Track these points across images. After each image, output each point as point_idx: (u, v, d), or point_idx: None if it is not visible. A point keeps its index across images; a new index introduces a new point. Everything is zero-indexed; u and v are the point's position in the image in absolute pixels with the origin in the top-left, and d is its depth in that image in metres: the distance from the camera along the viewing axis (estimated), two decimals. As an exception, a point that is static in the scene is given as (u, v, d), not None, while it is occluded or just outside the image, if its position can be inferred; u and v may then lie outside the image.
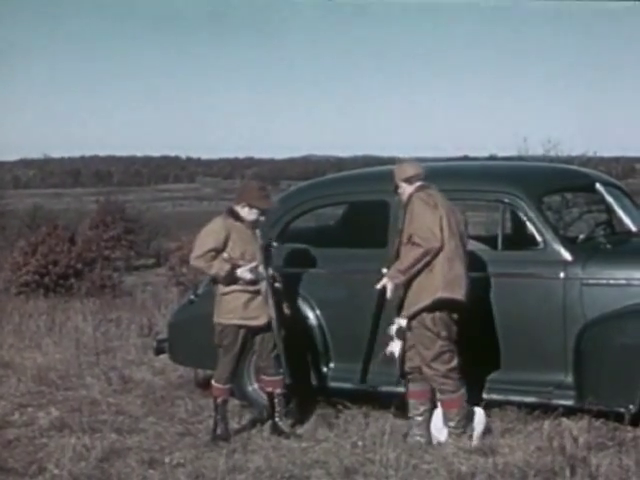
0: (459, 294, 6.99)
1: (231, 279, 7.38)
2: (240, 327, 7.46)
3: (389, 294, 7.05)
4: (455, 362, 7.04)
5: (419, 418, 7.14)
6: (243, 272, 7.35)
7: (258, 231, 7.51)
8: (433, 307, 6.95)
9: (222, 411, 7.57)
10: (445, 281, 6.93)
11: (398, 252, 7.13)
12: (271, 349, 7.53)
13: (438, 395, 7.09)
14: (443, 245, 6.92)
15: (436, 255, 6.91)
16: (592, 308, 7.29)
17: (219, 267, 7.36)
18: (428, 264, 6.92)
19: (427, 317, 6.99)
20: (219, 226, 7.46)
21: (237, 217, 7.47)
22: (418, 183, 7.20)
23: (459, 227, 7.10)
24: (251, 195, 7.47)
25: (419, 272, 6.95)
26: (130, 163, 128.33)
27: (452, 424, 7.06)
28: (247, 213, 7.44)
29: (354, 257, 8.03)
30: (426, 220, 6.94)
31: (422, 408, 7.11)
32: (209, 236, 7.45)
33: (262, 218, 7.52)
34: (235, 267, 7.35)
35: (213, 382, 7.64)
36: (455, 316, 7.05)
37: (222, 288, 7.46)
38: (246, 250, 7.41)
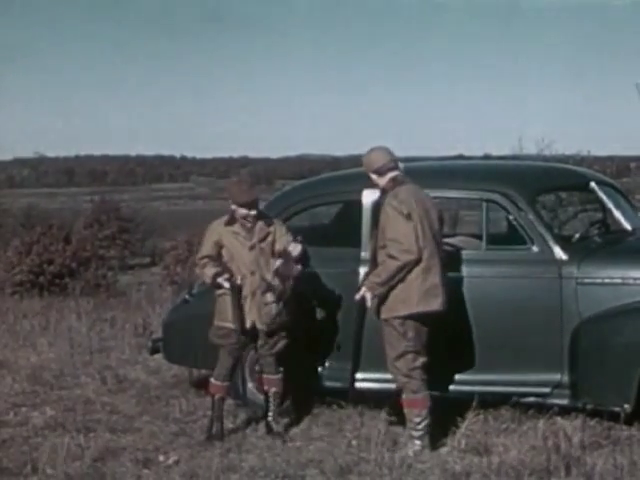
0: (435, 304, 6.89)
1: (217, 284, 7.48)
2: (231, 329, 7.48)
3: (369, 304, 6.99)
4: (419, 363, 6.93)
5: (416, 433, 6.96)
6: (222, 280, 7.43)
7: (260, 224, 7.51)
8: (407, 317, 6.91)
9: (218, 409, 7.56)
10: (420, 295, 6.84)
11: (375, 255, 7.08)
12: (269, 348, 7.53)
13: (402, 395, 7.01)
14: (420, 257, 6.83)
15: (413, 267, 6.83)
16: (587, 307, 7.29)
17: (206, 274, 7.55)
18: (404, 276, 6.85)
19: (396, 320, 6.92)
20: (210, 232, 7.66)
21: (231, 220, 7.53)
22: (390, 175, 7.08)
23: (433, 229, 6.96)
24: (232, 193, 7.57)
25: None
26: (124, 162, 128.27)
27: (411, 425, 6.96)
28: (237, 210, 7.50)
29: (348, 257, 8.00)
30: (400, 231, 6.80)
31: (418, 418, 6.96)
32: (203, 243, 7.69)
33: (253, 212, 7.49)
34: (220, 273, 7.43)
35: (211, 379, 7.65)
36: (427, 321, 6.95)
37: (216, 290, 7.55)
38: (234, 255, 7.47)
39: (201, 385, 8.89)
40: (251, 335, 7.51)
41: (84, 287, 24.38)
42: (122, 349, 11.33)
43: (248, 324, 7.44)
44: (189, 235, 30.95)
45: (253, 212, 7.50)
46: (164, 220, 53.57)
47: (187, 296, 9.01)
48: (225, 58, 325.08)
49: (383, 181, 7.10)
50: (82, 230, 42.53)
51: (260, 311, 7.44)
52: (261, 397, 7.90)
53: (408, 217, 6.83)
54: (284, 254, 7.39)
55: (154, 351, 9.16)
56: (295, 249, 7.39)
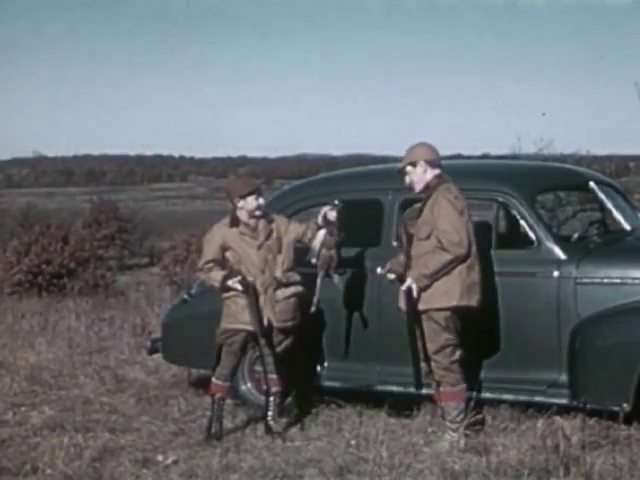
0: (474, 301, 7.02)
1: (227, 287, 7.42)
2: (240, 330, 7.47)
3: (415, 295, 7.01)
4: (457, 356, 7.05)
5: (453, 425, 7.05)
6: (234, 283, 7.40)
7: (262, 223, 7.50)
8: (449, 310, 7.00)
9: (218, 409, 7.55)
10: (462, 289, 6.96)
11: (409, 248, 7.12)
12: (273, 347, 7.54)
13: (440, 388, 7.10)
14: (469, 252, 6.94)
15: (461, 262, 6.93)
16: (586, 307, 7.29)
17: (213, 278, 7.48)
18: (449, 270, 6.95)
19: (437, 313, 7.00)
20: (213, 235, 7.59)
21: (234, 222, 7.49)
22: (437, 171, 7.15)
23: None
24: (234, 188, 7.53)
25: None
26: (123, 162, 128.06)
27: (449, 418, 7.05)
28: (245, 205, 7.45)
29: (348, 256, 8.00)
30: (455, 224, 6.91)
31: (456, 411, 7.05)
32: (206, 247, 7.60)
33: (261, 200, 7.50)
34: (230, 276, 7.39)
35: (213, 379, 7.64)
36: (463, 316, 7.07)
37: (223, 293, 7.50)
38: (242, 256, 7.45)
39: (200, 385, 8.90)
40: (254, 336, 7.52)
41: (83, 287, 24.40)
42: (121, 349, 11.34)
43: (265, 322, 7.45)
44: (188, 235, 30.93)
45: (261, 200, 7.49)
46: (163, 220, 53.58)
47: (186, 296, 9.01)
48: (224, 57, 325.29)
49: (430, 174, 7.15)
50: (81, 230, 42.50)
51: (274, 308, 7.45)
52: (260, 397, 7.92)
53: (462, 213, 6.96)
54: (325, 221, 7.39)
55: (153, 351, 9.17)
56: (331, 213, 7.38)
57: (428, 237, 6.99)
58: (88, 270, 26.28)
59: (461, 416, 7.05)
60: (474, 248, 7.00)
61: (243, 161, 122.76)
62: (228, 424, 7.74)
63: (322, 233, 7.39)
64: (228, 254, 7.48)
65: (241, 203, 7.45)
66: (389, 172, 8.86)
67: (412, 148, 7.28)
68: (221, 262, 7.49)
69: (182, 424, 7.95)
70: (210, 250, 7.53)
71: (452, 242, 6.89)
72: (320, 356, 8.14)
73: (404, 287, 7.05)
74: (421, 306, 7.03)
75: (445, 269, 6.92)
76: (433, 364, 7.07)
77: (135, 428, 7.88)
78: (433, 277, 6.94)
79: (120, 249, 47.03)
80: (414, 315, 7.12)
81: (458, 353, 7.05)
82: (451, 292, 6.95)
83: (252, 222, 7.47)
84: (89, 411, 8.48)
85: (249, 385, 8.33)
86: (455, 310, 7.00)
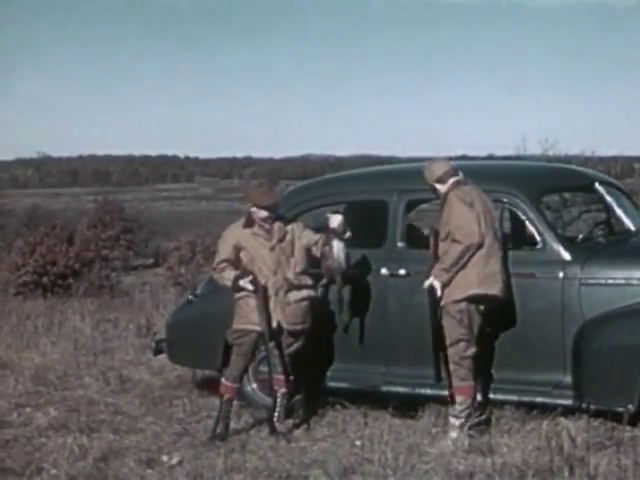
0: (494, 289, 7.11)
1: (239, 287, 7.43)
2: (251, 331, 7.47)
3: (439, 292, 7.11)
4: (470, 352, 7.12)
5: (457, 420, 7.10)
6: (245, 283, 7.41)
7: (277, 224, 7.51)
8: (465, 300, 7.07)
9: (226, 410, 7.56)
10: (479, 278, 7.05)
11: (436, 250, 7.22)
12: (285, 348, 7.55)
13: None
14: (482, 241, 7.03)
15: (476, 251, 7.02)
16: (591, 308, 7.28)
17: (226, 278, 7.50)
18: (465, 262, 7.03)
19: (453, 306, 7.08)
20: (228, 235, 7.61)
21: (249, 222, 7.51)
22: (452, 180, 7.28)
23: (494, 224, 7.21)
24: (252, 195, 7.55)
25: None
26: (128, 162, 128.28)
27: (454, 413, 7.10)
28: (257, 213, 7.48)
29: (353, 257, 8.00)
30: (465, 217, 7.04)
31: (461, 406, 7.11)
32: (220, 247, 7.64)
33: (274, 214, 7.50)
34: (242, 276, 7.39)
35: (222, 379, 7.65)
36: (482, 308, 7.14)
37: (236, 294, 7.51)
38: (254, 257, 7.46)
39: (205, 386, 8.90)
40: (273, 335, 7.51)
41: (88, 288, 24.44)
42: (126, 350, 11.35)
43: (274, 324, 7.45)
44: (193, 236, 31.00)
45: (274, 214, 7.50)
46: (168, 220, 53.65)
47: (191, 297, 9.01)
48: (229, 58, 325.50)
49: (445, 187, 7.29)
50: (85, 231, 42.64)
51: (284, 311, 7.45)
52: (265, 398, 7.91)
53: (471, 205, 7.10)
54: (324, 229, 7.40)
55: (158, 352, 9.17)
56: (334, 220, 7.38)
57: (446, 237, 7.12)
58: (93, 271, 26.35)
59: (465, 412, 7.08)
60: (490, 238, 7.09)
61: (248, 161, 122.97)
62: (233, 425, 7.73)
63: (320, 241, 7.42)
64: (242, 254, 7.49)
65: (254, 209, 7.47)
66: (394, 173, 8.90)
67: (423, 176, 7.43)
68: (235, 262, 7.50)
69: (187, 425, 7.95)
70: (224, 250, 7.55)
71: (463, 234, 7.01)
72: (326, 357, 8.13)
73: (426, 285, 7.16)
74: (442, 302, 7.13)
75: (461, 259, 7.03)
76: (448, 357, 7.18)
77: (140, 429, 7.89)
78: (452, 269, 7.05)
79: (125, 250, 47.10)
80: (433, 312, 7.20)
81: (471, 350, 7.12)
82: (468, 282, 7.05)
83: (267, 224, 7.48)
84: (94, 412, 8.48)
85: (254, 386, 8.32)
86: (473, 299, 7.07)
